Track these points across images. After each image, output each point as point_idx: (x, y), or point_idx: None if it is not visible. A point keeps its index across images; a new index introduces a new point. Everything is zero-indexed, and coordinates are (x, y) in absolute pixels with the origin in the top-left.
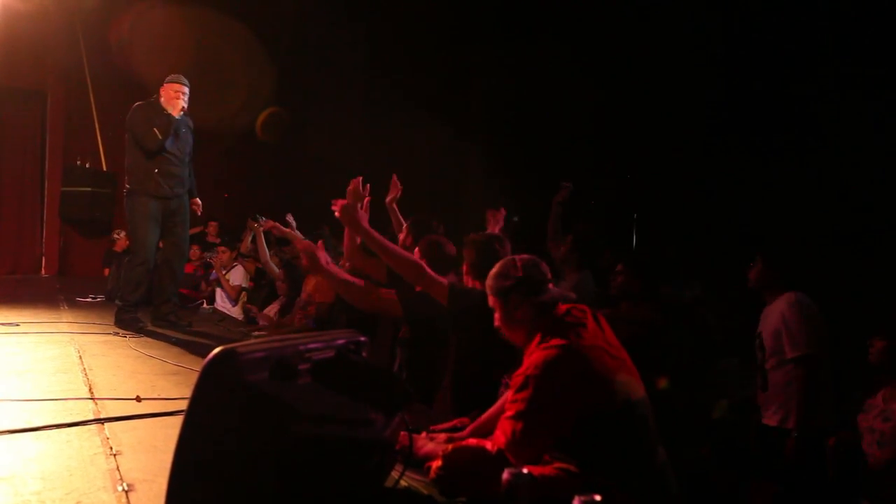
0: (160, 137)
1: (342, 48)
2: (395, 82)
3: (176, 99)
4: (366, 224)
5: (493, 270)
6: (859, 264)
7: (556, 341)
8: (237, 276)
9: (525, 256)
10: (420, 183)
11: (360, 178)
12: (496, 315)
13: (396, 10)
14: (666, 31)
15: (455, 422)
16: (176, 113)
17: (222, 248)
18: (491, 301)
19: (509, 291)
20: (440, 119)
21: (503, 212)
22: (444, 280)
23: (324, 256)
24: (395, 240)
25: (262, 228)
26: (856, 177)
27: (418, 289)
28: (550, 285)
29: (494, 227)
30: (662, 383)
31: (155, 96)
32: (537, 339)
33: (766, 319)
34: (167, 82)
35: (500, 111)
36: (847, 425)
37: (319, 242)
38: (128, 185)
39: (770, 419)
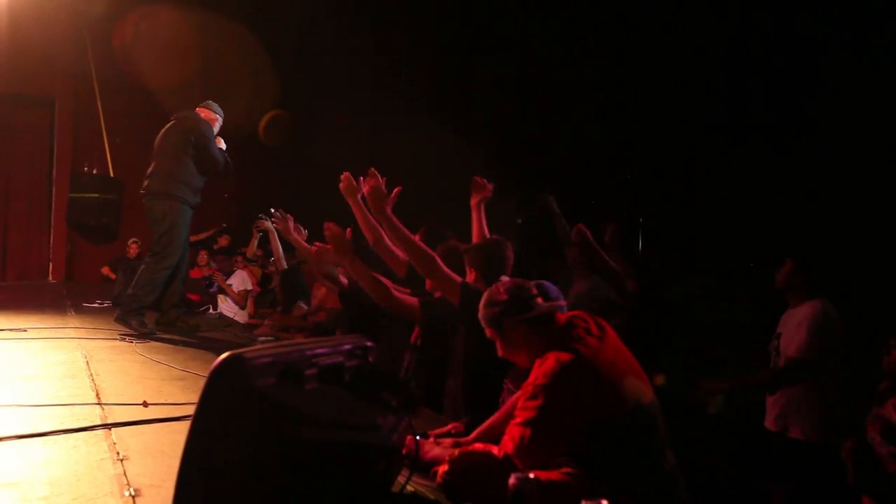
0: (231, 166)
1: (346, 51)
2: (399, 84)
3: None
4: (389, 210)
5: (481, 303)
6: (870, 266)
7: (563, 350)
8: (238, 280)
9: (507, 280)
10: (424, 185)
11: (349, 174)
12: (497, 345)
13: (400, 14)
14: (671, 31)
15: (449, 427)
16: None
17: (221, 257)
18: (488, 333)
19: (500, 317)
20: (445, 121)
21: (490, 186)
22: (457, 278)
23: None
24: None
25: (276, 225)
26: (864, 176)
27: (428, 285)
28: (539, 300)
29: (477, 196)
30: (659, 380)
31: (196, 112)
32: (543, 354)
33: (787, 324)
34: (214, 111)
35: (506, 113)
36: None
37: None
38: (173, 192)
39: (772, 424)
